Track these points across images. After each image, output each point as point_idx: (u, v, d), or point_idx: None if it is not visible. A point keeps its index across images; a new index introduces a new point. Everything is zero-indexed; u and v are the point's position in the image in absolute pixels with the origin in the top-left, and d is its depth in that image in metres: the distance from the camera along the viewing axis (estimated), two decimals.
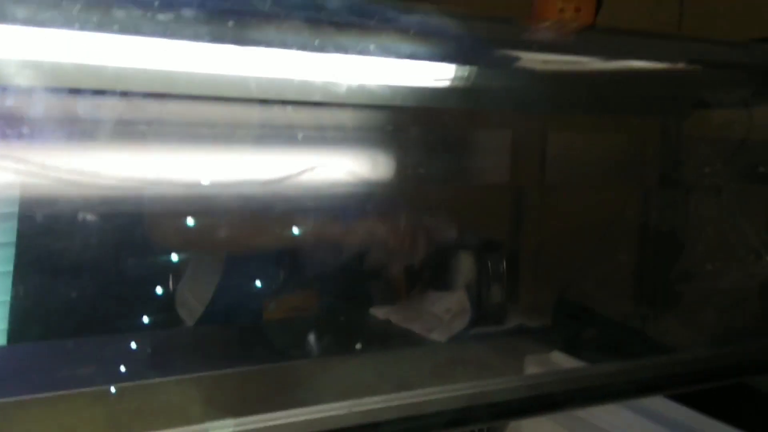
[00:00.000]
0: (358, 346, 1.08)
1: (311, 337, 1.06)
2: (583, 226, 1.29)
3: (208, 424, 0.65)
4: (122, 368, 0.98)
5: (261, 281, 1.16)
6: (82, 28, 0.52)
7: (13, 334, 1.25)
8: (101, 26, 0.50)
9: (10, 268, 1.27)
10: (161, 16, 0.47)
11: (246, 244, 1.08)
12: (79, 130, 0.81)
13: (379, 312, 1.21)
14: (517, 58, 0.70)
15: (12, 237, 1.30)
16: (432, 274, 1.27)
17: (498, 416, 0.89)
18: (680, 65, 0.87)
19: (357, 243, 1.13)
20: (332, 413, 0.72)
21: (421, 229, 1.18)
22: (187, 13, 0.48)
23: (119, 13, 0.47)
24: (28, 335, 1.23)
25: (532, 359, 1.06)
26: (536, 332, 1.20)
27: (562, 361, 1.05)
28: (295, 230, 1.02)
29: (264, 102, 0.79)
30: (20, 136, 0.83)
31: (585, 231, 1.29)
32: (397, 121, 0.90)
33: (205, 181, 0.87)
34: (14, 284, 1.27)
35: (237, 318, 1.19)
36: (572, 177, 1.30)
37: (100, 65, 0.67)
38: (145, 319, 1.07)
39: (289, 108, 0.79)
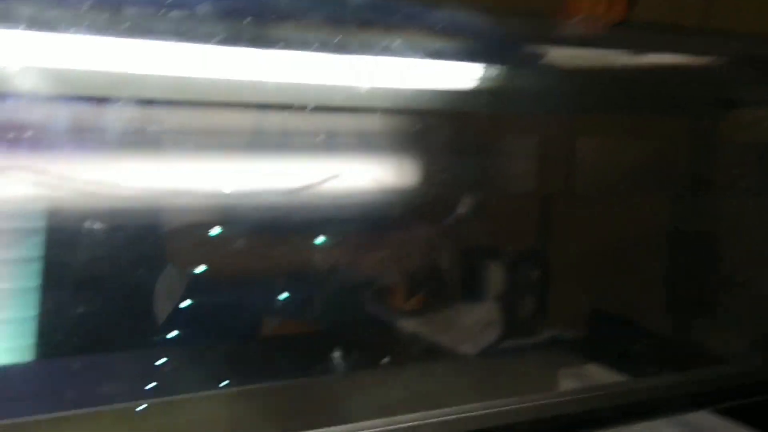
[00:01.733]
0: (386, 360, 1.06)
1: (336, 351, 1.04)
2: (616, 233, 1.25)
3: None
4: (147, 384, 0.97)
5: (261, 294, 1.12)
6: (94, 30, 0.50)
7: (38, 349, 1.25)
8: (112, 27, 0.48)
9: (36, 283, 1.27)
10: (174, 14, 0.45)
11: (262, 258, 1.05)
12: (103, 142, 0.80)
13: (407, 324, 1.18)
14: (548, 54, 0.67)
15: (38, 252, 1.30)
16: (461, 286, 1.24)
17: None
18: (715, 61, 0.83)
19: (380, 253, 1.10)
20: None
21: (447, 239, 1.15)
22: (201, 10, 0.46)
23: (130, 12, 0.45)
24: (54, 351, 1.23)
25: (567, 373, 1.02)
26: (570, 344, 1.16)
27: (598, 374, 1.01)
28: (318, 241, 1.00)
29: (286, 107, 0.77)
30: (45, 150, 0.82)
31: (618, 238, 1.25)
32: (421, 127, 0.87)
33: (227, 191, 0.85)
34: (40, 299, 1.27)
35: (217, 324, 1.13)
36: (603, 183, 1.26)
37: (120, 73, 0.65)
38: (172, 334, 1.05)
39: (310, 113, 0.76)
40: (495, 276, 1.21)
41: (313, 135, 0.84)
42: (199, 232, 0.96)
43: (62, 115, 0.76)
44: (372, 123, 0.83)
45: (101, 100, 0.74)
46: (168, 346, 1.05)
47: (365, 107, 0.74)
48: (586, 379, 1.01)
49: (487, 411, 0.79)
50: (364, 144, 0.88)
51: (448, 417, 0.77)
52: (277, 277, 1.12)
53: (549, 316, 1.22)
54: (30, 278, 1.29)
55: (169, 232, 0.99)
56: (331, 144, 0.86)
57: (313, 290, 1.09)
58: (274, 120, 0.81)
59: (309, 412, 0.90)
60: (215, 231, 0.95)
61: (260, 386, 0.96)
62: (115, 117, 0.76)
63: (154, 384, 0.96)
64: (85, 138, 0.81)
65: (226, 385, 0.94)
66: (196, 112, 0.79)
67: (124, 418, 0.88)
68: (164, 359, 1.00)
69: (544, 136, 1.15)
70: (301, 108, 0.77)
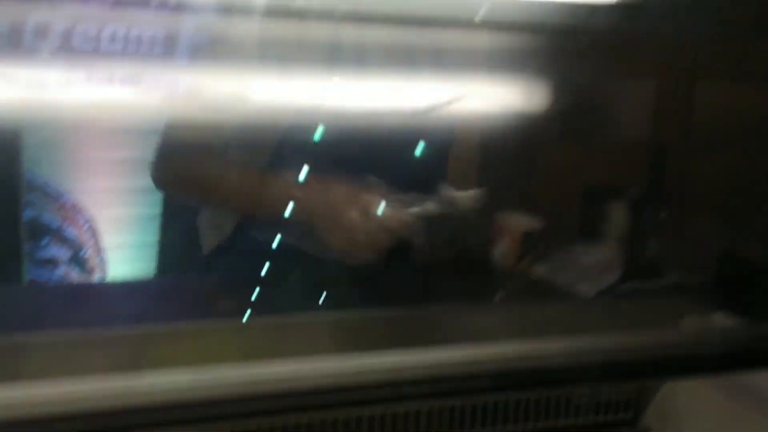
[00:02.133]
0: (499, 295, 1.03)
1: (445, 285, 1.02)
2: (748, 174, 1.16)
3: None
4: (253, 301, 0.99)
5: None
6: None
7: (161, 269, 1.31)
8: None
9: (159, 210, 1.33)
10: None
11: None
12: (231, 55, 0.81)
13: (522, 263, 1.14)
14: None
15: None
16: (580, 225, 1.19)
17: (652, 375, 0.81)
18: None
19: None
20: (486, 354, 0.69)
21: (569, 174, 1.11)
22: None
23: None
24: (174, 270, 1.28)
25: (691, 320, 0.96)
26: (696, 291, 1.09)
27: (725, 324, 0.95)
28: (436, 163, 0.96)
29: (413, 22, 0.74)
30: (173, 62, 0.83)
31: (750, 179, 1.15)
32: (552, 46, 0.83)
33: (351, 110, 0.84)
34: (162, 225, 1.32)
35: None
36: (735, 120, 1.17)
37: None
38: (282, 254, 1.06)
39: (436, 29, 0.74)
40: (617, 216, 1.15)
41: (438, 53, 0.81)
42: (318, 150, 0.96)
43: (191, 27, 0.77)
44: (498, 41, 0.80)
45: (228, 11, 0.75)
46: (277, 267, 1.06)
47: (494, 23, 0.70)
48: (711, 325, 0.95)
49: (604, 345, 0.76)
50: (489, 64, 0.84)
51: (562, 348, 0.74)
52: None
53: (674, 259, 1.16)
54: (153, 206, 1.35)
55: (286, 148, 0.99)
56: (456, 63, 0.83)
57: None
58: (401, 37, 0.79)
59: (420, 339, 0.90)
60: (335, 151, 0.94)
61: (371, 313, 0.96)
62: (243, 30, 0.76)
63: (259, 302, 0.98)
64: (212, 51, 0.82)
65: (340, 307, 0.95)
66: (324, 27, 0.78)
67: (232, 333, 0.90)
68: (271, 279, 1.02)
69: (677, 67, 1.07)
70: (427, 23, 0.75)
